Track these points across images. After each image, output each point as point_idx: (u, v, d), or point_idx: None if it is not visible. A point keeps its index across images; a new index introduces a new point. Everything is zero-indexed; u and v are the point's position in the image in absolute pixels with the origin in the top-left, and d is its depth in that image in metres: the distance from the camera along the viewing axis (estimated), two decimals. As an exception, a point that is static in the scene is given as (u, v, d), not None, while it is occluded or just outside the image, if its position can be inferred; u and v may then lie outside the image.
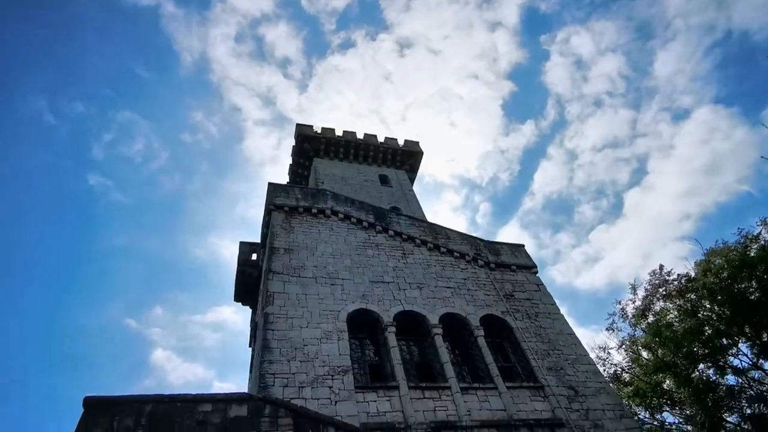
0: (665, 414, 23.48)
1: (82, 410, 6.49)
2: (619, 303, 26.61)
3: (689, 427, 22.18)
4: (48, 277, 73.94)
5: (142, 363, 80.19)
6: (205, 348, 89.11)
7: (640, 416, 23.21)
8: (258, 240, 18.56)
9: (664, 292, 24.32)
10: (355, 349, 12.01)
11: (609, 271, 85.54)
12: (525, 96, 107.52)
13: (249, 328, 19.66)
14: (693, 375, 21.58)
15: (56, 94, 77.76)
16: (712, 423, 20.22)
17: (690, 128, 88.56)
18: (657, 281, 24.87)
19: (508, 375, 12.36)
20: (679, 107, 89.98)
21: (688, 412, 22.06)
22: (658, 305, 24.57)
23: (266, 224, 15.70)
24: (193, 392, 7.24)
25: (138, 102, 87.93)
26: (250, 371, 15.58)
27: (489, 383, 11.69)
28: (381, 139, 28.81)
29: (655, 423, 23.39)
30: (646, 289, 25.30)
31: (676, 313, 23.55)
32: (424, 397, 10.83)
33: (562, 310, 15.17)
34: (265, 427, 7.00)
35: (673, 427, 23.00)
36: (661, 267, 25.03)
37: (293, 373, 10.36)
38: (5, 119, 65.44)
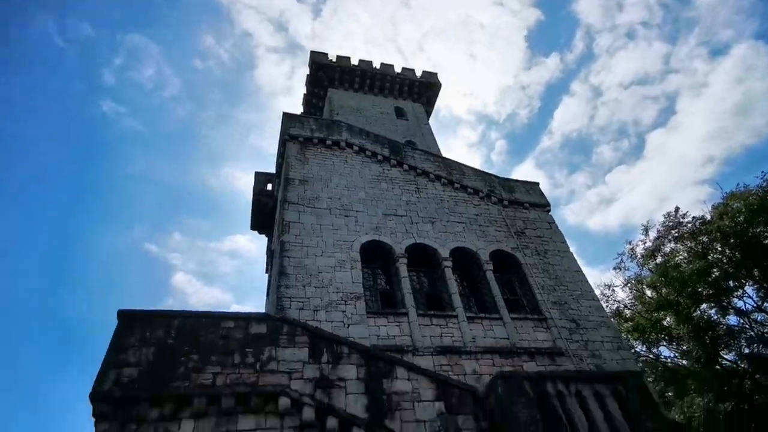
0: (662, 348, 24.54)
1: (110, 328, 7.04)
2: (630, 243, 26.83)
3: (684, 362, 23.23)
4: (67, 202, 76.32)
5: (164, 285, 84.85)
6: (222, 273, 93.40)
7: (637, 349, 24.28)
8: (273, 170, 18.72)
9: (676, 234, 24.32)
10: (367, 277, 12.50)
11: (623, 212, 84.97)
12: (552, 26, 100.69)
13: (265, 256, 20.47)
14: (694, 314, 22.18)
15: (63, 14, 75.09)
16: (708, 359, 21.12)
17: (727, 65, 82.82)
18: (670, 223, 24.80)
19: (513, 307, 12.85)
20: (718, 42, 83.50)
21: (684, 347, 22.98)
22: (669, 247, 24.71)
23: (281, 155, 15.73)
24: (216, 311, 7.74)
25: (146, 24, 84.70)
26: (267, 295, 16.46)
27: (495, 314, 12.21)
28: (398, 69, 27.73)
29: (651, 356, 24.50)
30: (658, 231, 25.33)
31: (685, 254, 23.72)
32: (432, 324, 11.43)
33: (572, 249, 15.38)
34: (283, 344, 7.55)
35: (668, 360, 24.10)
36: (677, 209, 24.82)
37: (308, 298, 10.93)
38: (16, 40, 64.02)
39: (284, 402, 6.82)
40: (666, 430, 7.10)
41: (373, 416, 7.11)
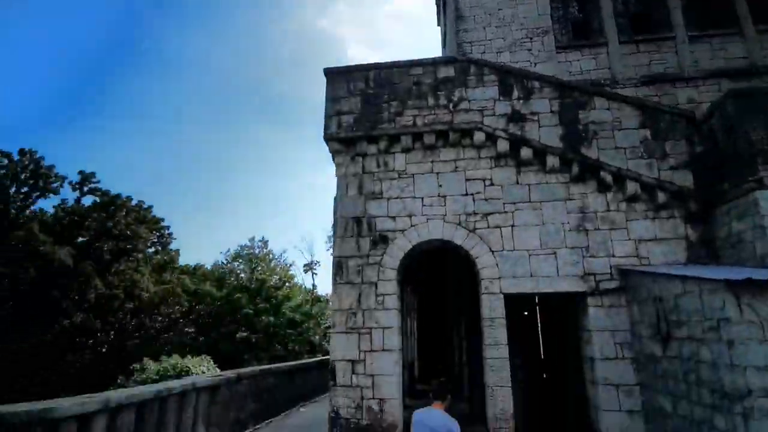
0: None
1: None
2: None
3: None
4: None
5: (342, 60, 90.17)
6: (391, 40, 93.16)
7: None
8: None
9: None
10: (555, 7, 10.80)
11: None
12: None
13: (434, 6, 19.08)
14: None
15: None
16: None
17: None
18: None
19: (761, 17, 9.82)
20: None
21: None
22: None
23: None
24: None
25: None
26: (444, 46, 16.04)
27: (730, 28, 9.65)
28: None
29: None
30: None
31: None
32: (638, 52, 9.82)
33: None
34: (471, 84, 7.63)
35: None
36: None
37: (490, 40, 10.29)
38: None
39: (479, 136, 7.32)
40: None
41: (568, 145, 7.16)
